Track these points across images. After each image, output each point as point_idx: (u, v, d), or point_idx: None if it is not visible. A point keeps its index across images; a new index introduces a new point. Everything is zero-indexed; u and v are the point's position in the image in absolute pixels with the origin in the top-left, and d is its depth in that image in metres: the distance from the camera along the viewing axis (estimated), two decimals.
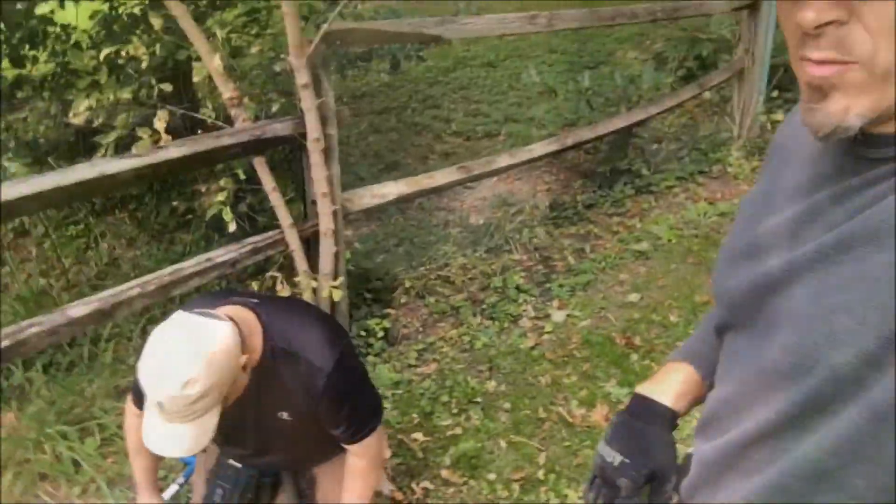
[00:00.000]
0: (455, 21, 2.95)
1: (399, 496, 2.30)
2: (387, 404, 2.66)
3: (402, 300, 3.32)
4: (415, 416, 2.64)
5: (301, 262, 2.60)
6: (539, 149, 3.58)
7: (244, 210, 3.04)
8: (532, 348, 2.98)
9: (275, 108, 2.67)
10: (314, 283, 2.62)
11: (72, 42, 3.20)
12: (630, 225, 3.90)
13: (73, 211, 3.73)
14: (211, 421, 1.32)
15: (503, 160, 3.42)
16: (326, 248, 2.62)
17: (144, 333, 1.34)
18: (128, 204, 3.89)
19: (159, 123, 2.21)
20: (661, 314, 3.12)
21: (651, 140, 4.72)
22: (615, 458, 0.88)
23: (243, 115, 2.43)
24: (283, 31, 2.38)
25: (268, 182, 2.50)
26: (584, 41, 6.87)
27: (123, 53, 2.68)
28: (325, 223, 2.58)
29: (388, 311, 3.20)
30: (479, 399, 2.71)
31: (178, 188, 3.64)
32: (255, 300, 1.53)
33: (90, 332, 2.84)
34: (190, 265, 2.39)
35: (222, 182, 2.54)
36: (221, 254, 2.46)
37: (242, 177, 2.71)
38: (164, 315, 1.39)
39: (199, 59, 2.39)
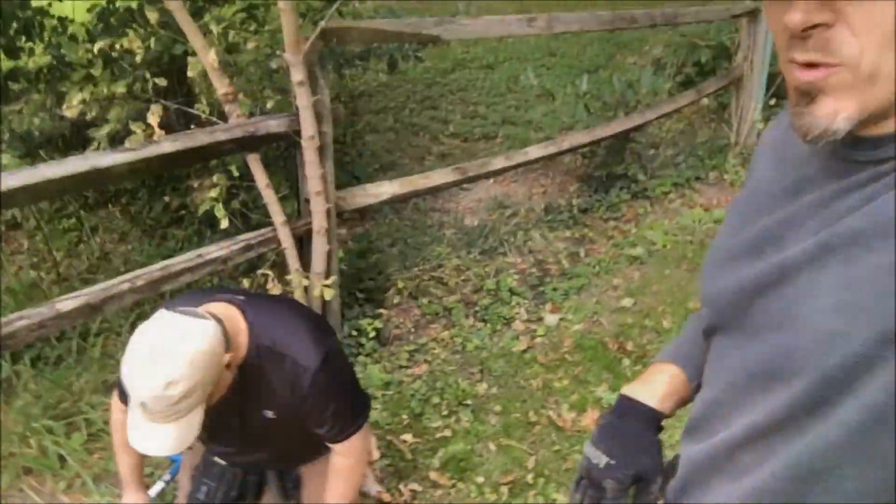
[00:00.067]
0: (454, 22, 2.94)
1: (387, 497, 2.29)
2: (377, 405, 2.64)
3: (395, 300, 3.31)
4: (404, 417, 2.63)
5: (293, 261, 2.59)
6: (535, 152, 3.58)
7: (237, 207, 3.03)
8: (524, 351, 2.97)
9: (270, 104, 2.66)
10: (306, 282, 2.60)
11: (68, 34, 3.19)
12: (625, 230, 3.90)
13: (65, 204, 3.70)
14: (195, 420, 1.31)
15: (499, 162, 3.41)
16: (319, 247, 2.61)
17: (134, 329, 1.32)
18: (120, 198, 3.87)
19: (153, 118, 2.21)
20: (654, 320, 3.12)
21: (648, 145, 4.72)
22: (601, 459, 0.88)
23: (238, 111, 2.42)
24: (279, 28, 2.37)
25: (261, 179, 2.48)
26: (584, 45, 6.89)
27: (118, 47, 2.66)
28: (319, 221, 2.57)
29: (381, 311, 3.19)
30: (469, 401, 2.70)
31: (171, 183, 3.62)
32: (242, 298, 1.51)
33: (79, 327, 2.83)
34: (181, 261, 2.37)
35: (215, 178, 2.53)
36: (213, 250, 2.45)
37: (236, 173, 2.70)
38: (154, 311, 1.37)
39: (194, 54, 2.38)
